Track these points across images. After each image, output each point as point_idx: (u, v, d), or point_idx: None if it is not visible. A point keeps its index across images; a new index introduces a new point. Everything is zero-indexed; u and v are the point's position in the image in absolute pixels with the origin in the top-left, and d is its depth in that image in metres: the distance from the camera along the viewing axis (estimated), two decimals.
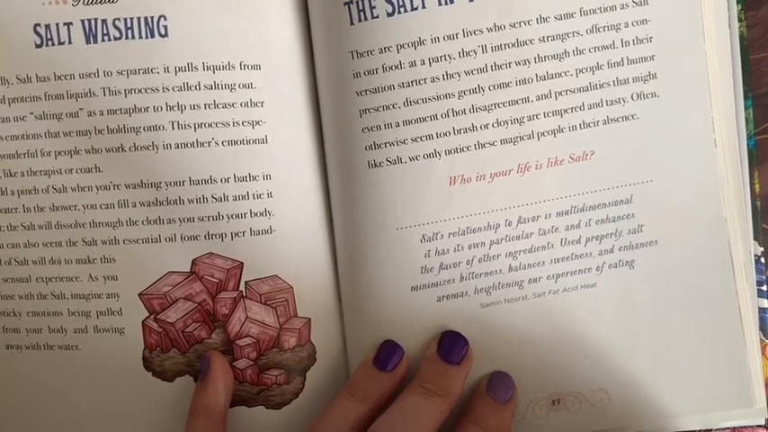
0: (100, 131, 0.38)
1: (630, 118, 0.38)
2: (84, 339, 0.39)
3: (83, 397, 0.40)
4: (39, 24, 0.38)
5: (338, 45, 0.38)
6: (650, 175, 0.38)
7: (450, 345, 0.38)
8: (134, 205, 0.38)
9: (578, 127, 0.37)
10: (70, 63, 0.38)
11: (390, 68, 0.37)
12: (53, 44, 0.38)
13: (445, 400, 0.37)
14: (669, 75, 0.37)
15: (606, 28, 0.37)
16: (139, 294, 0.39)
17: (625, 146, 0.38)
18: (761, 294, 0.40)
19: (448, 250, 0.38)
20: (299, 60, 0.40)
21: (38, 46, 0.38)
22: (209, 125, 0.38)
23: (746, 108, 0.39)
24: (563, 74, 0.37)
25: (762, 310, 0.40)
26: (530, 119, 0.37)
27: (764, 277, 0.40)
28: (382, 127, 0.37)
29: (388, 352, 0.39)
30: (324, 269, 0.40)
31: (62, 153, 0.38)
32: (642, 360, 0.39)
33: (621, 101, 0.37)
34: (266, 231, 0.39)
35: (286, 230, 0.39)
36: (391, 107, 0.37)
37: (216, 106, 0.38)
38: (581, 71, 0.37)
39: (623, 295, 0.39)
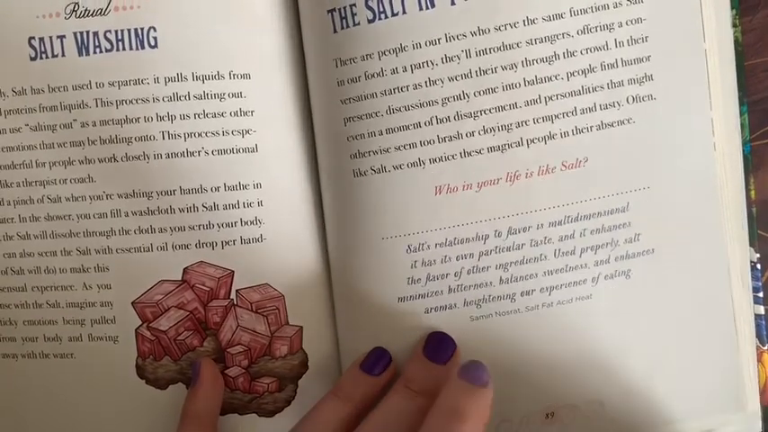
0: (93, 142, 0.38)
1: (626, 122, 0.36)
2: (78, 348, 0.40)
3: (77, 405, 0.40)
4: (33, 37, 0.39)
5: (323, 53, 0.37)
6: (647, 182, 0.36)
7: (437, 345, 0.37)
8: (126, 215, 0.39)
9: (570, 133, 0.36)
10: (63, 75, 0.38)
11: (372, 76, 0.36)
12: (47, 57, 0.39)
13: (428, 401, 0.36)
14: (666, 76, 0.35)
15: (598, 28, 0.35)
16: (132, 303, 0.39)
17: (620, 152, 0.36)
18: (757, 301, 0.38)
19: (435, 261, 0.37)
20: (289, 69, 0.39)
21: (32, 59, 0.39)
22: (200, 135, 0.38)
23: (741, 114, 0.37)
24: (553, 77, 0.35)
25: (758, 317, 0.38)
26: (518, 125, 0.36)
27: (760, 284, 0.39)
28: (366, 135, 0.37)
29: (375, 358, 0.38)
30: (315, 277, 0.40)
31: (56, 164, 0.39)
32: (637, 368, 0.38)
33: (616, 104, 0.36)
34: (257, 240, 0.39)
35: (276, 239, 0.39)
36: (374, 115, 0.36)
37: (206, 116, 0.38)
38: (572, 74, 0.35)
39: (619, 306, 0.37)
